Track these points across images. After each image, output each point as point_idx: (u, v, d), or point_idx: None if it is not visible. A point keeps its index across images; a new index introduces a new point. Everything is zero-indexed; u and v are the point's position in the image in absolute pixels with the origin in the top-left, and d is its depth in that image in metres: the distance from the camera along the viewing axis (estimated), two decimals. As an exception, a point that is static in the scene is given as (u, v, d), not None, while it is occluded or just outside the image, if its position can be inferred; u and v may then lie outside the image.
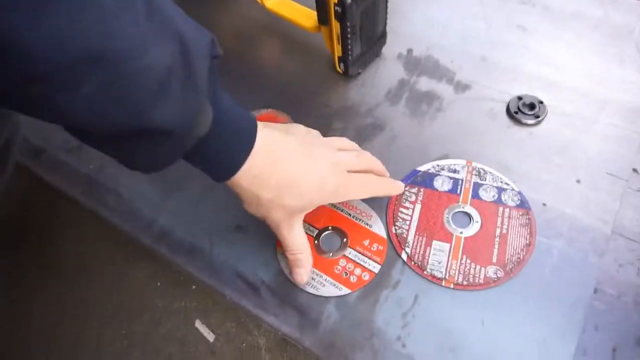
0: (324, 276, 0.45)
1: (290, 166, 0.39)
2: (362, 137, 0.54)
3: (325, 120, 0.56)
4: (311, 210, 0.43)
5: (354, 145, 0.47)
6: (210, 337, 0.64)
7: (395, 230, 0.47)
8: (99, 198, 0.53)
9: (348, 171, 0.43)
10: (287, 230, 0.42)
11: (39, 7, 0.21)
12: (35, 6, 0.21)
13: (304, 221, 0.47)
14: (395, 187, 0.47)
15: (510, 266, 0.44)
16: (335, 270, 0.45)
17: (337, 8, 0.50)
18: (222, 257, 0.47)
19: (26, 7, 0.21)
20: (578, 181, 0.49)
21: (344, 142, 0.46)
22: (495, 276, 0.44)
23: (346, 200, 0.45)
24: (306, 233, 0.47)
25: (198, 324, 0.64)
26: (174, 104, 0.29)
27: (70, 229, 0.73)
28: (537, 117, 0.53)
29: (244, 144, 0.37)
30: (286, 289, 0.45)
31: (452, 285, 0.43)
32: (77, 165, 0.56)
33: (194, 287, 0.66)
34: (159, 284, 0.67)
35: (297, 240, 0.43)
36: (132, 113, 0.28)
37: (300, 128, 0.43)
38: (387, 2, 0.55)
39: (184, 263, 0.47)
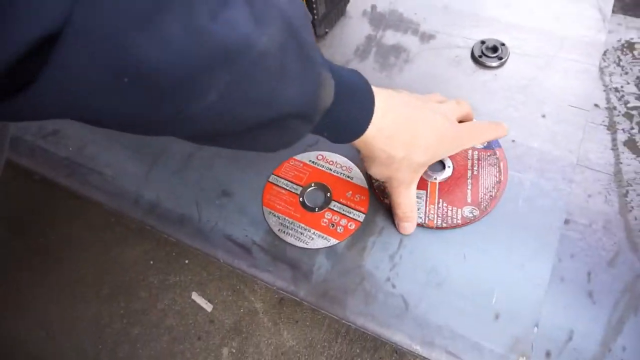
0: (312, 230, 0.47)
1: (414, 123, 0.40)
2: (335, 95, 0.56)
3: (297, 83, 0.57)
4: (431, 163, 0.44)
5: (444, 97, 0.47)
6: (208, 307, 0.66)
7: (374, 181, 0.49)
8: (82, 179, 0.53)
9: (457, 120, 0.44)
10: (406, 188, 0.43)
11: (150, 19, 0.20)
12: (146, 20, 0.20)
13: (287, 180, 0.48)
14: (501, 129, 0.46)
15: (485, 204, 0.46)
16: (322, 223, 0.47)
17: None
18: (212, 222, 0.49)
19: (139, 21, 0.19)
20: (543, 116, 0.51)
21: (437, 96, 0.47)
22: (471, 215, 0.46)
23: (462, 149, 0.45)
24: (290, 191, 0.49)
25: (195, 295, 0.66)
26: (295, 83, 0.28)
27: (56, 214, 0.73)
28: (500, 58, 0.55)
29: (367, 105, 0.36)
30: (276, 246, 0.47)
31: (434, 228, 0.46)
32: (56, 150, 0.56)
33: (186, 261, 0.68)
34: (151, 262, 0.68)
35: (412, 198, 0.45)
36: (259, 106, 0.27)
37: (404, 91, 0.43)
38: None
39: (174, 233, 0.49)
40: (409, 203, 0.44)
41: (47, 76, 0.19)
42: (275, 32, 0.25)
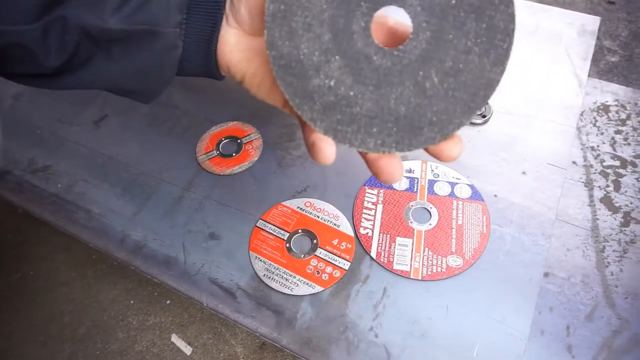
0: (297, 276, 0.47)
1: None
2: (325, 143, 0.57)
3: (290, 129, 0.59)
4: None
5: None
6: (187, 350, 0.64)
7: (362, 230, 0.50)
8: (68, 217, 0.53)
9: None
10: None
11: None
12: None
13: (275, 225, 0.49)
14: None
15: (468, 254, 0.48)
16: (308, 270, 0.47)
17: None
18: (197, 265, 0.49)
19: None
20: (524, 172, 0.54)
21: None
22: (455, 264, 0.47)
23: None
24: (277, 237, 0.49)
25: (174, 338, 0.64)
26: None
27: (38, 250, 0.71)
28: (484, 116, 0.58)
29: None
30: (261, 292, 0.47)
31: (419, 277, 0.46)
32: (45, 186, 0.56)
33: (168, 302, 0.67)
34: (132, 301, 0.67)
35: None
36: None
37: None
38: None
39: (159, 274, 0.48)
40: None
41: None
42: None
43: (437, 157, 0.29)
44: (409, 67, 0.27)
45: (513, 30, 0.27)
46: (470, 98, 0.27)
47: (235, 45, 0.31)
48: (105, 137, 0.60)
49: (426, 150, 0.29)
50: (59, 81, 0.31)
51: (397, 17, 0.31)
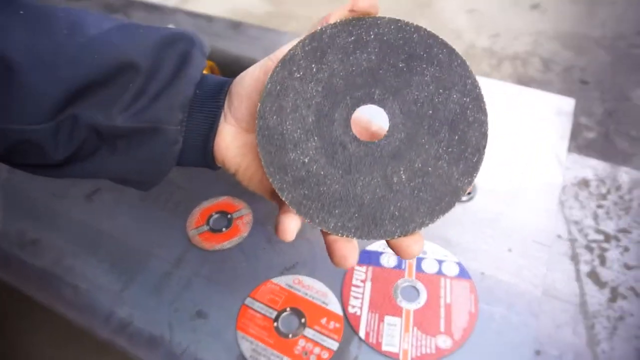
0: (285, 358, 0.46)
1: None
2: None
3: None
4: None
5: None
6: None
7: (350, 309, 0.49)
8: (54, 293, 0.53)
9: None
10: None
11: None
12: None
13: (263, 303, 0.49)
14: None
15: (458, 335, 0.47)
16: (295, 351, 0.46)
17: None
18: (183, 345, 0.48)
19: None
20: (509, 250, 0.55)
21: None
22: (444, 345, 0.47)
23: None
24: (265, 315, 0.49)
25: (155, 420, 0.61)
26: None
27: (18, 325, 0.69)
28: (469, 193, 0.60)
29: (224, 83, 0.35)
30: (248, 374, 0.45)
31: (408, 359, 0.46)
32: (32, 260, 0.56)
33: (151, 380, 0.64)
34: (113, 380, 0.64)
35: None
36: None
37: None
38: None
39: (144, 355, 0.47)
40: None
41: None
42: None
43: (395, 251, 0.31)
44: (380, 160, 0.29)
45: (484, 147, 0.29)
46: (435, 201, 0.29)
47: (232, 142, 0.33)
48: (97, 211, 0.61)
49: (387, 242, 0.30)
50: (62, 171, 0.32)
51: (379, 123, 0.34)
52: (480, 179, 0.62)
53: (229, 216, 0.58)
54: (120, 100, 0.30)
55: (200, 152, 0.33)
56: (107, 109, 0.30)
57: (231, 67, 0.62)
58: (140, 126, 0.31)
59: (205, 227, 0.57)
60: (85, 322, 0.50)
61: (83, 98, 0.30)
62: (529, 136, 0.68)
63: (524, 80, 1.21)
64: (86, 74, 0.29)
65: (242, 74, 0.34)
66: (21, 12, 0.29)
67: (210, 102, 0.33)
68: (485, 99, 0.30)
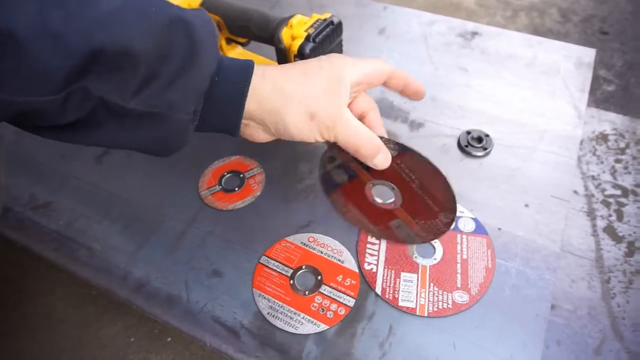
0: (302, 314, 0.46)
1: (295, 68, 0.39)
2: (328, 177, 0.58)
3: (292, 163, 0.59)
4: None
5: None
6: (188, 388, 0.63)
7: (366, 266, 0.49)
8: (69, 254, 0.53)
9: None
10: (343, 117, 0.38)
11: None
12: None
13: (278, 261, 0.49)
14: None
15: (474, 289, 0.47)
16: (312, 308, 0.47)
17: (297, 59, 0.54)
18: (200, 303, 0.48)
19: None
20: (526, 205, 0.54)
21: None
22: (461, 300, 0.46)
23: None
24: (280, 274, 0.49)
25: (175, 376, 0.63)
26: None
27: (37, 285, 0.71)
28: (485, 149, 0.58)
29: (248, 70, 0.36)
30: (265, 330, 0.46)
31: (425, 314, 0.46)
32: (46, 222, 0.56)
33: (169, 339, 0.66)
34: (132, 339, 0.65)
35: (361, 126, 0.39)
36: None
37: None
38: (342, 51, 0.60)
39: (161, 314, 0.48)
40: (362, 133, 0.38)
41: None
42: None
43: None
44: None
45: None
46: None
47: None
48: (107, 172, 0.60)
49: None
50: (67, 135, 0.32)
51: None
52: (497, 134, 0.60)
53: (241, 175, 0.57)
54: (132, 82, 0.30)
55: (223, 130, 0.38)
56: (119, 89, 0.30)
57: (237, 22, 0.60)
58: (150, 111, 0.31)
59: (218, 187, 0.57)
60: (102, 283, 0.50)
61: (95, 73, 0.29)
62: (546, 89, 0.66)
63: (540, 32, 1.16)
64: (98, 49, 0.28)
65: (284, 121, 0.37)
66: None
67: (227, 100, 0.34)
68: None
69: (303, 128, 0.37)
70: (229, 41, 0.65)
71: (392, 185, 0.44)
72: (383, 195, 0.46)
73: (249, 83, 0.36)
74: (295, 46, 0.53)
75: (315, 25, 0.54)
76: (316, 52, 0.54)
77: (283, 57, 0.56)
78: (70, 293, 0.69)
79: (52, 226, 0.55)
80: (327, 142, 0.40)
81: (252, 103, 0.37)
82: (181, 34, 0.31)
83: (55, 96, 0.28)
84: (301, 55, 0.53)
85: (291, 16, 0.56)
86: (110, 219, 0.56)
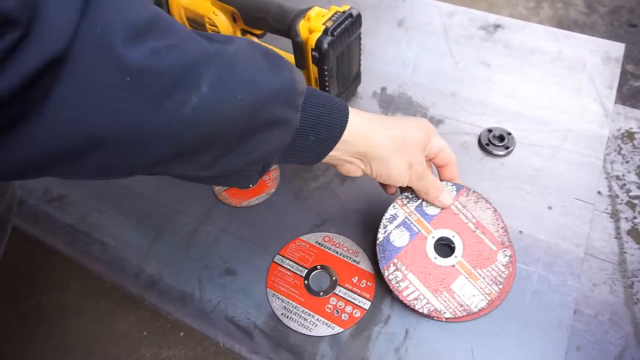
0: (316, 316, 0.45)
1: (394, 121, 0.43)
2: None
3: (307, 160, 0.58)
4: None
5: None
6: (199, 383, 0.63)
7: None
8: (83, 248, 0.52)
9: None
10: (425, 168, 0.44)
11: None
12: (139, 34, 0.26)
13: (293, 261, 0.48)
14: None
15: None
16: (327, 309, 0.46)
17: (314, 53, 0.53)
18: (213, 302, 0.47)
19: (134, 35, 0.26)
20: (550, 208, 0.52)
21: None
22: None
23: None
24: (295, 273, 0.48)
25: (187, 370, 0.63)
26: (269, 72, 0.33)
27: (50, 278, 0.71)
28: (507, 147, 0.56)
29: (339, 101, 0.39)
30: (279, 331, 0.45)
31: (442, 319, 0.44)
32: (60, 216, 0.55)
33: (182, 334, 0.65)
34: (145, 333, 0.65)
35: (431, 174, 0.46)
36: (244, 89, 0.31)
37: None
38: (360, 45, 0.58)
39: (174, 311, 0.47)
40: (433, 179, 0.45)
41: (61, 92, 0.23)
42: (240, 45, 0.32)
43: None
44: None
45: None
46: None
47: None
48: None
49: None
50: None
51: None
52: (519, 132, 0.58)
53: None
54: (210, 158, 0.32)
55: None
56: (195, 168, 0.33)
57: (253, 13, 0.58)
58: (221, 175, 0.35)
59: (231, 183, 0.56)
60: (115, 278, 0.50)
61: (176, 162, 0.31)
62: (572, 86, 0.63)
63: (565, 24, 1.12)
64: (184, 149, 0.30)
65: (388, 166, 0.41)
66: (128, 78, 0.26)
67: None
68: None
69: (403, 174, 0.42)
70: (244, 32, 0.64)
71: (453, 232, 0.46)
72: (443, 253, 0.46)
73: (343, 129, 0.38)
74: (313, 40, 0.52)
75: (333, 18, 0.53)
76: (334, 46, 0.52)
77: (300, 50, 0.54)
78: (84, 286, 0.69)
79: (66, 220, 0.55)
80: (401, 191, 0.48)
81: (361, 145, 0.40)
82: (263, 114, 0.32)
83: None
84: (319, 49, 0.52)
85: (309, 8, 0.54)
86: (123, 214, 0.55)
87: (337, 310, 0.46)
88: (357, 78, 0.62)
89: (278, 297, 0.47)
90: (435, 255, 0.46)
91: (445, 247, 0.47)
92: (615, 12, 1.10)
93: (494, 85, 0.64)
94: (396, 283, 0.44)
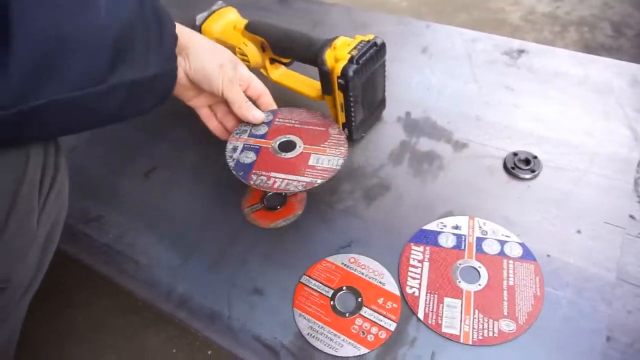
0: (342, 336, 0.46)
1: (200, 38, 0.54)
2: (370, 197, 0.57)
3: (334, 183, 0.59)
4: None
5: None
6: (226, 403, 0.63)
7: (408, 289, 0.48)
8: (118, 267, 0.55)
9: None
10: (236, 83, 0.54)
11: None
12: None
13: (319, 281, 0.49)
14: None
15: (522, 318, 0.45)
16: (352, 330, 0.46)
17: (340, 81, 0.54)
18: (242, 320, 0.48)
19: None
20: (578, 231, 0.51)
21: None
22: (508, 329, 0.45)
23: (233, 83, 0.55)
24: (321, 294, 0.49)
25: (214, 390, 0.64)
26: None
27: (84, 296, 0.73)
28: (533, 171, 0.56)
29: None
30: (305, 351, 0.46)
31: (469, 342, 0.44)
32: (97, 236, 0.58)
33: (209, 352, 0.66)
34: (174, 350, 0.67)
35: (241, 93, 0.55)
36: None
37: None
38: (385, 71, 0.60)
39: (203, 329, 0.48)
40: (243, 95, 0.55)
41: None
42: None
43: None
44: None
45: None
46: None
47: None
48: (154, 188, 0.62)
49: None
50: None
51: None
52: (545, 155, 0.58)
53: (283, 194, 0.58)
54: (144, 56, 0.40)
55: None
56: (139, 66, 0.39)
57: (281, 43, 0.61)
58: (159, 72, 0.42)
59: (260, 205, 0.57)
60: (147, 296, 0.52)
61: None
62: (598, 109, 0.63)
63: (592, 48, 1.12)
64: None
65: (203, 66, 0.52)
66: None
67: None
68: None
69: (216, 72, 0.52)
70: (272, 61, 0.66)
71: (288, 135, 0.55)
72: (290, 149, 0.54)
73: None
74: (339, 68, 0.54)
75: (358, 47, 0.55)
76: (359, 74, 0.54)
77: (326, 78, 0.56)
78: (118, 304, 0.71)
79: (103, 239, 0.58)
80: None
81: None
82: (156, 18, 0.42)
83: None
84: (344, 77, 0.54)
85: (335, 38, 0.56)
86: (156, 234, 0.57)
87: (362, 331, 0.46)
88: (382, 103, 0.64)
89: (304, 317, 0.48)
90: (283, 153, 0.53)
91: (288, 145, 0.54)
92: (643, 36, 1.09)
93: (518, 109, 0.65)
94: (264, 183, 0.50)
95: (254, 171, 0.51)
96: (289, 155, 0.53)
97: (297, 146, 0.54)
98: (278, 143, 0.54)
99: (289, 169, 0.51)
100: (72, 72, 0.34)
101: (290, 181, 0.50)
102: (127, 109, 0.41)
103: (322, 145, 0.53)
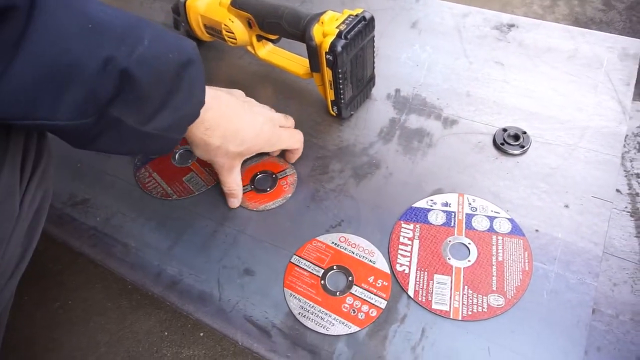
0: (333, 315, 0.46)
1: (234, 119, 0.49)
2: (360, 175, 0.57)
3: (323, 162, 0.59)
4: (249, 155, 0.54)
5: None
6: (219, 382, 0.64)
7: (398, 267, 0.48)
8: (106, 250, 0.54)
9: (280, 126, 0.55)
10: (228, 172, 0.53)
11: None
12: None
13: (309, 261, 0.49)
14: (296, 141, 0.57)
15: (510, 293, 0.46)
16: (343, 309, 0.46)
17: (328, 56, 0.53)
18: (232, 301, 0.48)
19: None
20: (566, 206, 0.52)
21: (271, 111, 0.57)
22: (497, 303, 0.45)
23: (277, 148, 0.56)
24: (312, 273, 0.49)
25: (207, 370, 0.64)
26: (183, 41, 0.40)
27: (76, 279, 0.73)
28: (522, 147, 0.56)
29: (198, 101, 0.44)
30: (296, 331, 0.46)
31: (459, 317, 0.45)
32: (84, 219, 0.57)
33: (201, 334, 0.67)
34: (166, 333, 0.67)
35: (235, 179, 0.54)
36: (174, 48, 0.38)
37: (240, 92, 0.54)
38: (374, 47, 0.59)
39: (194, 311, 0.48)
40: (232, 182, 0.53)
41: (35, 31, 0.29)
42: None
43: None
44: None
45: None
46: None
47: None
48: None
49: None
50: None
51: None
52: (534, 131, 0.58)
53: (273, 176, 0.57)
54: (148, 110, 0.37)
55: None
56: (137, 115, 0.37)
57: (268, 19, 0.59)
58: (156, 133, 0.39)
59: (250, 187, 0.57)
60: (137, 279, 0.51)
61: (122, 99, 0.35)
62: (588, 83, 0.63)
63: (582, 22, 1.11)
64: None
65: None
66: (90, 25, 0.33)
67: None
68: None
69: (198, 154, 0.51)
70: (259, 38, 0.65)
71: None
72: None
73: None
74: (327, 43, 0.52)
75: (346, 22, 0.53)
76: (348, 49, 0.53)
77: (314, 54, 0.55)
78: (108, 287, 0.71)
79: (90, 222, 0.57)
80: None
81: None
82: (186, 74, 0.39)
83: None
84: (332, 52, 0.52)
85: (322, 12, 0.55)
86: (145, 216, 0.57)
87: (353, 310, 0.46)
88: (371, 80, 0.63)
89: (295, 297, 0.48)
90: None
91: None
92: (633, 8, 1.08)
93: (508, 85, 0.64)
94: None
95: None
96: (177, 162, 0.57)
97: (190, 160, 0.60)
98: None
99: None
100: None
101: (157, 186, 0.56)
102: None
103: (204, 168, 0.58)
